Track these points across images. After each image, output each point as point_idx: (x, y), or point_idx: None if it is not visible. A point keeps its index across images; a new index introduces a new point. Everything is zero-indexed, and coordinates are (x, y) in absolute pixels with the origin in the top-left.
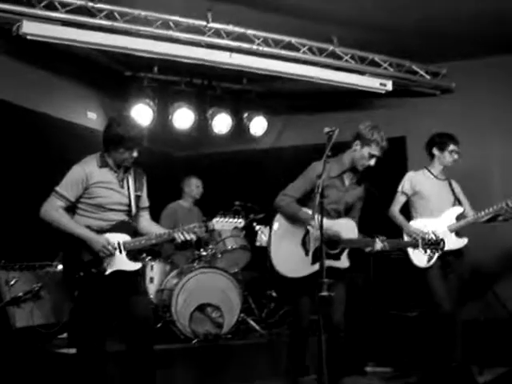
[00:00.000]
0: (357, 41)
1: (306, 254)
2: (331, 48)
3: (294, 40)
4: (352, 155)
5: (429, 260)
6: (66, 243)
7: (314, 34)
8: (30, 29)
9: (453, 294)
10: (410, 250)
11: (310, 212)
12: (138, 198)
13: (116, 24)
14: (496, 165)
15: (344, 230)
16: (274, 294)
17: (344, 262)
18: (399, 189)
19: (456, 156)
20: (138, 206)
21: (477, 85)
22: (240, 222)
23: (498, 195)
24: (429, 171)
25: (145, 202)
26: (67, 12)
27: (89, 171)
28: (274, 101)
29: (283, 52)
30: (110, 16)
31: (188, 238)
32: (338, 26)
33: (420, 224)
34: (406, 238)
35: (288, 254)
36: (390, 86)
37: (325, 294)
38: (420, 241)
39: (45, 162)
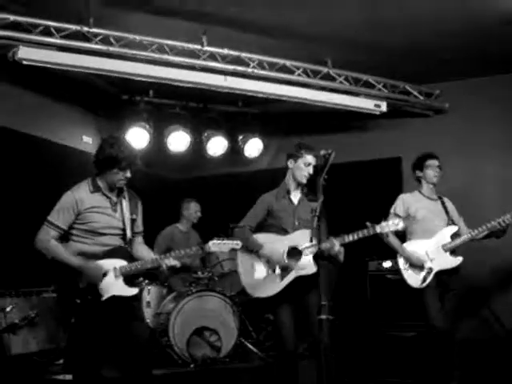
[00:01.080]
0: (351, 62)
1: (274, 271)
2: (325, 70)
3: (288, 63)
4: (290, 173)
5: (423, 281)
6: (60, 271)
7: (308, 57)
8: (26, 54)
9: (450, 314)
10: (403, 272)
11: (259, 240)
12: (133, 221)
13: (111, 48)
14: (490, 183)
15: (299, 240)
16: (271, 317)
17: (311, 268)
18: (392, 211)
19: (438, 170)
20: (133, 230)
21: (470, 104)
22: (237, 244)
23: (492, 213)
24: (420, 193)
25: (139, 227)
26: (63, 37)
27: (79, 197)
28: (270, 123)
29: (278, 74)
30: (105, 40)
31: (173, 263)
32: (331, 47)
33: (414, 246)
34: (400, 261)
35: (257, 277)
36: (384, 107)
37: (323, 317)
38: (377, 227)
39: (40, 186)
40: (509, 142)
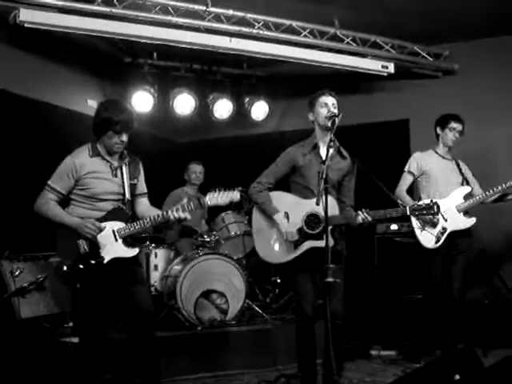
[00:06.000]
0: (358, 23)
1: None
2: (332, 31)
3: (294, 23)
4: (315, 124)
5: (437, 241)
6: (62, 237)
7: (315, 17)
8: (28, 16)
9: (460, 276)
10: (417, 231)
11: (275, 203)
12: (133, 186)
13: (114, 10)
14: (500, 145)
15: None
16: (278, 280)
17: (329, 241)
18: (406, 169)
19: (457, 134)
20: (133, 194)
21: (479, 66)
22: (236, 194)
23: (503, 176)
24: (435, 152)
25: (142, 189)
26: None
27: (79, 162)
28: (275, 85)
29: (284, 36)
30: (108, 2)
31: (183, 216)
32: (339, 8)
33: None
34: (413, 220)
35: (270, 241)
36: (391, 68)
37: (330, 279)
38: (408, 208)
39: (46, 151)
40: None
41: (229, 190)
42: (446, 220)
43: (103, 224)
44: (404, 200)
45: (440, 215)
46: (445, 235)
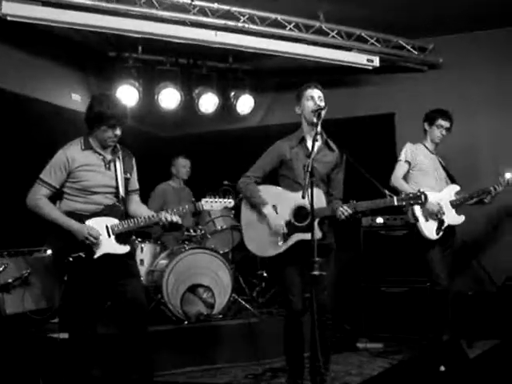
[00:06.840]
0: (343, 16)
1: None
2: (317, 24)
3: (280, 17)
4: (302, 118)
5: (438, 232)
6: (54, 228)
7: (300, 11)
8: (11, 9)
9: (448, 269)
10: (421, 223)
11: (263, 196)
12: (126, 180)
13: (98, 3)
14: (484, 140)
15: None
16: (264, 274)
17: (316, 234)
18: (402, 158)
19: (444, 132)
20: (126, 189)
21: (464, 59)
22: (230, 202)
23: (486, 170)
24: (424, 146)
25: (134, 185)
26: None
27: (71, 155)
28: (261, 79)
29: (269, 29)
30: None
31: (175, 219)
32: (324, 1)
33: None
34: (416, 209)
35: (258, 234)
36: (377, 61)
37: (316, 273)
38: (395, 199)
39: (30, 145)
40: (503, 97)
41: (224, 198)
42: (443, 213)
43: (99, 230)
44: (403, 187)
45: (440, 207)
46: (442, 228)
